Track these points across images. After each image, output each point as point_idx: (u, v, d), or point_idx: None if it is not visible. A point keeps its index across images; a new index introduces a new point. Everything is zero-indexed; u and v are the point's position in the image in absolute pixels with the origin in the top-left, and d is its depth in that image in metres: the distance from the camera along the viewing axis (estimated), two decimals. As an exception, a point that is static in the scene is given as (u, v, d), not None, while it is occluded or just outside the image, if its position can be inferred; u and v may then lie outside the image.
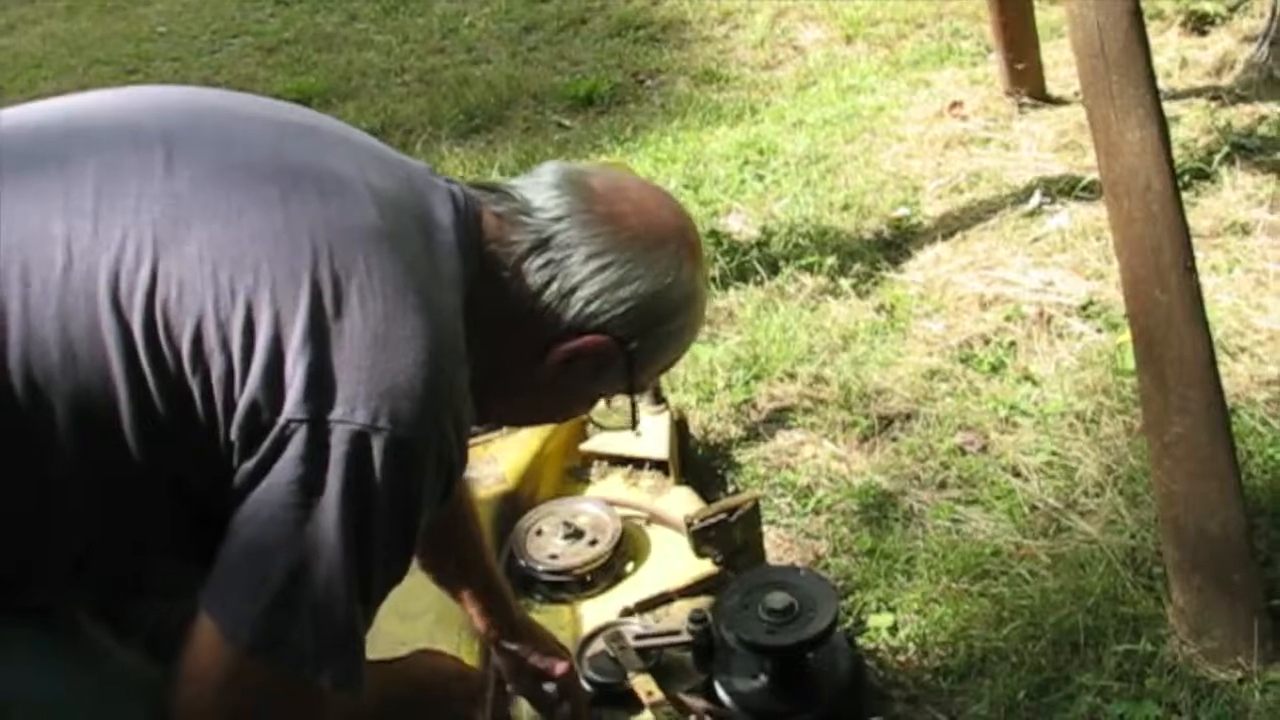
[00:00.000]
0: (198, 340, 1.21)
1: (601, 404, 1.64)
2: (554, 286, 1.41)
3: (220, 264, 1.23)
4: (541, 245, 1.41)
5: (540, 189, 1.45)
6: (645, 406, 2.70)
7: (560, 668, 1.95)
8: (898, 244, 3.77)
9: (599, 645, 2.16)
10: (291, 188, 1.30)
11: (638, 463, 2.60)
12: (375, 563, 1.27)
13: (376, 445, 1.22)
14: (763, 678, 2.05)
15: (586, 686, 2.07)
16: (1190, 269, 2.11)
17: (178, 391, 1.22)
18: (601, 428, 1.75)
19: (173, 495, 1.28)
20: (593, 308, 1.42)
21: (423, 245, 1.35)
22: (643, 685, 2.04)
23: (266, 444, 1.21)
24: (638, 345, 1.46)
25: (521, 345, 1.44)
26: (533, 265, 1.41)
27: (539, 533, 2.40)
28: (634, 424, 1.60)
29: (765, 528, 2.43)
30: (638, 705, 2.03)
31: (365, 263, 1.27)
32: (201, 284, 1.22)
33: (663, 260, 1.44)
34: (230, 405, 1.22)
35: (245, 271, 1.23)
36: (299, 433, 1.21)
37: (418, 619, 2.07)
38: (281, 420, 1.21)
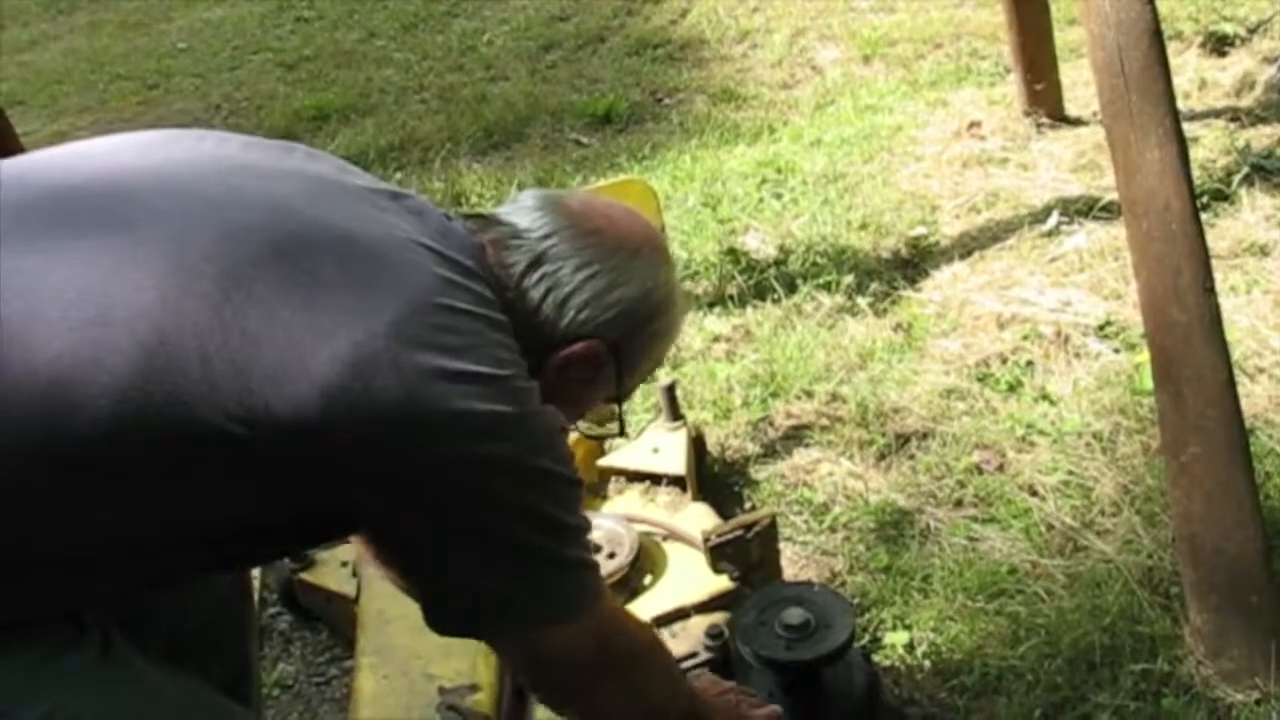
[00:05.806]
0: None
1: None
2: (550, 297, 1.52)
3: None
4: (536, 261, 1.53)
5: (524, 213, 1.57)
6: (663, 423, 2.71)
7: None
8: (915, 263, 3.77)
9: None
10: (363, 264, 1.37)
11: (655, 479, 2.61)
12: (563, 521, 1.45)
13: (518, 468, 1.37)
14: (779, 693, 2.05)
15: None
16: (1209, 289, 2.11)
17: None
18: (589, 437, 1.89)
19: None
20: (585, 314, 1.53)
21: (470, 286, 1.43)
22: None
23: (405, 489, 1.33)
24: (625, 348, 1.58)
25: (525, 357, 1.49)
26: (531, 280, 1.52)
27: (556, 548, 2.40)
28: (621, 431, 1.74)
29: (782, 544, 2.43)
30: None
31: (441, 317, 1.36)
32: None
33: (643, 267, 1.57)
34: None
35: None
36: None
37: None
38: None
